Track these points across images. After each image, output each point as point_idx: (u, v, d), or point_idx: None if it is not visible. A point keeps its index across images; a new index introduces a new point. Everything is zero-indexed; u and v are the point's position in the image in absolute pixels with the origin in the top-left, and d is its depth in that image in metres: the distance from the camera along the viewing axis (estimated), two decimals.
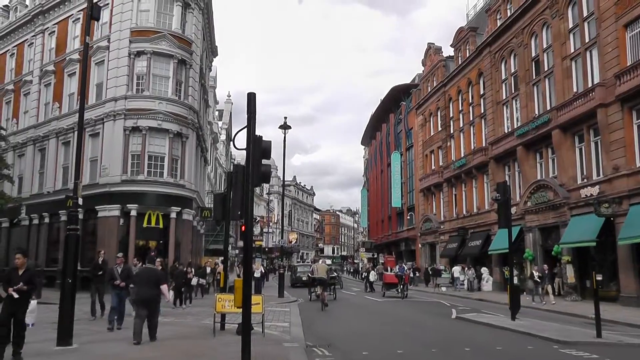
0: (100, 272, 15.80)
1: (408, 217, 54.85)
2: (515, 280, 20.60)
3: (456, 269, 37.91)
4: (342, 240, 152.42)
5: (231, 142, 69.33)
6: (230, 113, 66.67)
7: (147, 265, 12.83)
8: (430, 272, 41.29)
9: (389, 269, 31.22)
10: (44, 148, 33.04)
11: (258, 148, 9.43)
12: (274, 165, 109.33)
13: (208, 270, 28.29)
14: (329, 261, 58.59)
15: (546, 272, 24.83)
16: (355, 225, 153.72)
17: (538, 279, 24.74)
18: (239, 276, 26.18)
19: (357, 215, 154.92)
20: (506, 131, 34.92)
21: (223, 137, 61.18)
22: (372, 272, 36.14)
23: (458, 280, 36.12)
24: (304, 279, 31.98)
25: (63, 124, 31.65)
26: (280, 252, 36.32)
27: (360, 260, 78.90)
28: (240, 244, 74.31)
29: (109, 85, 28.94)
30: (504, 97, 35.87)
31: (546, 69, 31.15)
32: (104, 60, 29.59)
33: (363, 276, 36.32)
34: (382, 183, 68.84)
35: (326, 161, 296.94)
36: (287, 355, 10.54)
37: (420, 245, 50.43)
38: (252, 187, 9.20)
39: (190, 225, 30.56)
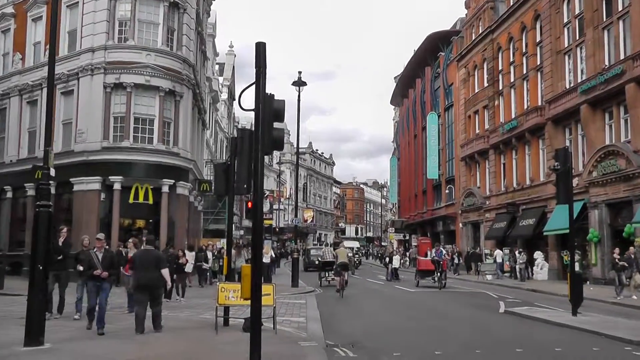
0: (60, 257, 15.06)
1: (447, 191, 54.76)
2: (577, 267, 20.49)
3: (499, 253, 37.96)
4: (367, 219, 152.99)
5: (235, 102, 69.64)
6: (233, 67, 66.51)
7: (146, 247, 13.44)
8: (470, 257, 41.41)
9: (427, 253, 31.21)
10: (4, 108, 32.76)
11: (269, 109, 9.35)
12: (286, 130, 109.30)
13: (210, 255, 28.57)
14: (354, 243, 59.94)
15: (633, 257, 23.49)
16: (383, 201, 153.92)
17: (622, 267, 23.61)
18: (247, 261, 26.41)
19: (385, 189, 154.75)
20: (568, 86, 34.40)
21: (224, 95, 61.15)
22: (396, 256, 36.30)
23: (498, 266, 36.27)
24: (317, 263, 34.44)
25: (27, 79, 31.53)
26: (294, 233, 36.53)
27: (389, 242, 79.22)
28: (247, 223, 75.30)
29: (84, 33, 28.84)
30: (566, 45, 35.23)
31: (620, 8, 30.44)
32: (77, 1, 29.46)
33: (385, 262, 36.80)
34: (415, 150, 68.57)
35: (348, 124, 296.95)
36: (304, 356, 10.60)
37: (461, 225, 50.42)
38: (262, 155, 9.15)
39: (186, 200, 30.79)
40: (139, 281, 12.56)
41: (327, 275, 29.89)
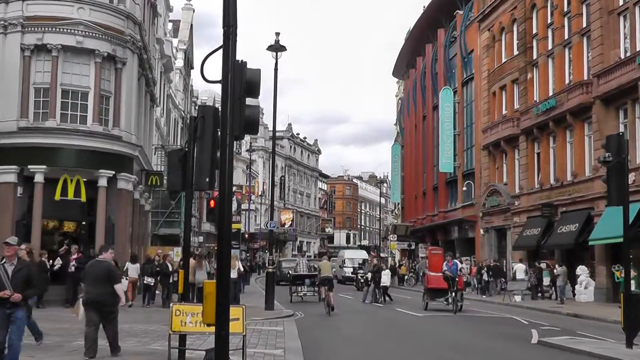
0: None
1: (464, 189, 55.00)
2: (633, 286, 20.62)
3: (520, 268, 38.27)
4: (362, 223, 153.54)
5: (194, 72, 69.33)
6: (191, 27, 66.12)
7: (98, 258, 14.15)
8: (490, 273, 41.57)
9: (444, 265, 31.19)
10: None
11: (240, 80, 9.29)
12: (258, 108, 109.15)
13: (170, 267, 28.40)
14: (359, 254, 61.62)
15: None
16: (383, 201, 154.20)
17: None
18: (209, 275, 26.34)
19: (385, 185, 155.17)
20: (622, 56, 34.55)
21: (180, 63, 60.83)
22: (386, 271, 35.98)
23: (521, 285, 36.57)
24: (289, 275, 37.96)
25: None
26: (269, 241, 36.50)
27: (389, 253, 79.44)
28: (208, 227, 75.06)
29: None
30: (621, 3, 35.37)
31: None
32: None
33: (365, 279, 36.65)
34: (424, 136, 68.75)
35: (339, 102, 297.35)
36: None
37: (481, 232, 50.63)
38: (231, 140, 9.09)
39: (129, 197, 30.63)
40: (88, 297, 13.37)
41: (299, 290, 34.23)
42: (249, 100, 9.61)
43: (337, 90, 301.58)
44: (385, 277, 35.25)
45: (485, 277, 41.67)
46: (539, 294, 37.26)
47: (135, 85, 30.93)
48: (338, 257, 64.48)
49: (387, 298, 34.93)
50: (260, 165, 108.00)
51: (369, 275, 36.03)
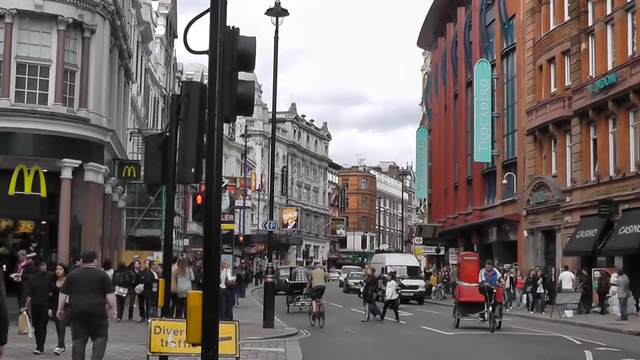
0: None
1: (504, 182, 54.85)
2: None
3: (566, 276, 38.15)
4: (381, 223, 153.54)
5: (178, 41, 69.21)
6: None
7: (85, 265, 14.64)
8: (529, 281, 41.24)
9: (482, 275, 31.07)
10: None
11: (232, 50, 9.31)
12: (257, 85, 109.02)
13: (155, 275, 28.28)
14: (406, 260, 56.94)
15: None
16: (406, 197, 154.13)
17: None
18: (194, 284, 26.36)
19: (408, 178, 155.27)
20: None
21: (161, 31, 60.84)
22: (391, 282, 35.31)
23: (572, 297, 36.41)
24: (285, 284, 40.98)
25: None
26: (268, 245, 36.52)
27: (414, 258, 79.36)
28: (195, 228, 74.77)
29: None
30: None
31: None
32: None
33: (367, 292, 35.61)
34: (455, 118, 68.61)
35: (353, 78, 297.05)
36: None
37: (525, 234, 50.53)
38: (220, 123, 9.12)
39: (99, 192, 30.73)
40: (75, 309, 13.79)
41: (295, 300, 37.07)
42: (243, 75, 9.64)
43: (351, 64, 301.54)
44: (391, 290, 34.64)
45: (540, 288, 40.66)
46: (596, 307, 37.10)
47: (106, 57, 30.98)
48: (373, 263, 55.90)
49: (391, 315, 34.14)
50: (257, 153, 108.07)
51: (368, 287, 35.01)
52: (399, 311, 34.52)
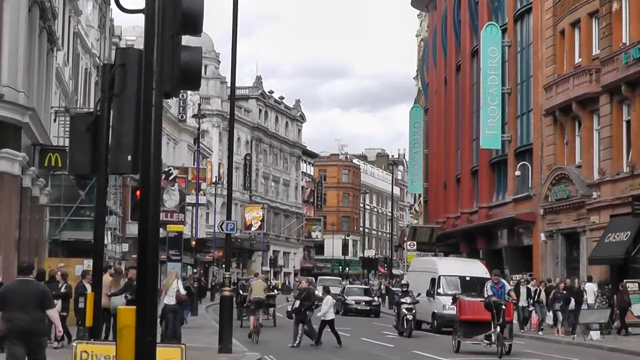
0: None
1: (517, 174, 54.97)
2: None
3: (590, 287, 38.18)
4: (367, 224, 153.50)
5: None
6: None
7: (22, 277, 14.75)
8: (558, 296, 40.96)
9: (488, 288, 31.04)
10: None
11: (173, 8, 9.27)
12: (211, 53, 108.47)
13: (89, 287, 28.09)
14: (463, 267, 47.98)
15: None
16: (397, 192, 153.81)
17: None
18: (127, 299, 26.23)
19: (400, 169, 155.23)
20: None
21: None
22: (327, 298, 34.48)
23: (600, 316, 36.45)
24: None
25: None
26: (226, 251, 36.34)
27: (405, 269, 79.18)
28: (135, 230, 73.74)
29: None
30: None
31: None
32: None
33: (296, 310, 34.82)
34: (458, 95, 68.71)
35: (334, 47, 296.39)
36: None
37: (542, 237, 50.61)
38: (159, 98, 9.07)
39: (15, 185, 30.55)
40: (13, 327, 13.95)
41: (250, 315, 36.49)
42: (188, 40, 9.60)
43: (331, 30, 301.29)
44: (327, 307, 33.34)
45: (572, 305, 39.70)
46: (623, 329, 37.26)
47: (23, 18, 30.78)
48: (413, 272, 49.66)
49: (316, 336, 33.52)
50: (214, 138, 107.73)
51: (297, 303, 33.98)
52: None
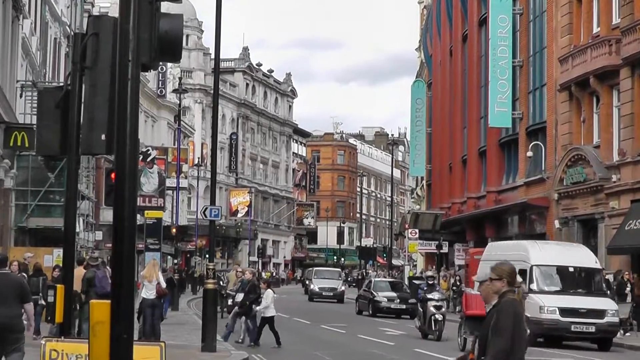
0: None
1: (529, 155, 55.03)
2: None
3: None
4: (365, 210, 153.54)
5: None
6: None
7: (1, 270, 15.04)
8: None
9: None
10: None
11: None
12: (193, 21, 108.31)
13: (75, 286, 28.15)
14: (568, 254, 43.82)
15: None
16: (398, 174, 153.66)
17: None
18: (96, 294, 26.19)
19: (401, 149, 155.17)
20: None
21: None
22: (267, 293, 33.86)
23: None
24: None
25: None
26: (209, 239, 36.39)
27: (406, 259, 79.26)
28: (110, 216, 73.65)
29: None
30: None
31: None
32: None
33: (227, 299, 37.18)
34: (464, 69, 68.70)
35: (329, 16, 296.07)
36: None
37: (557, 224, 50.66)
38: (136, 71, 9.04)
39: None
40: None
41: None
42: (167, 7, 9.56)
43: None
44: (267, 302, 32.64)
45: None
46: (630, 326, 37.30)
47: None
48: (493, 261, 37.61)
49: (257, 332, 33.19)
50: (197, 115, 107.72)
51: (238, 297, 33.73)
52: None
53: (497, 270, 9.20)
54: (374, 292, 54.05)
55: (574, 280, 35.36)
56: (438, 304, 35.71)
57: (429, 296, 35.55)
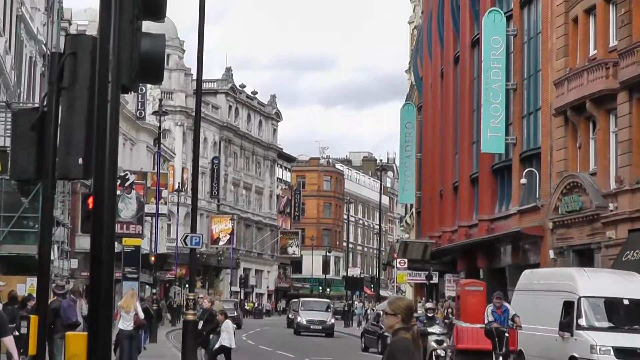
0: None
1: (522, 182, 55.08)
2: None
3: None
4: (352, 238, 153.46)
5: None
6: None
7: None
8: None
9: (489, 313, 31.04)
10: None
11: None
12: (175, 41, 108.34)
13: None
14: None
15: None
16: (386, 202, 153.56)
17: None
18: (62, 325, 26.11)
19: (390, 175, 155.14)
20: None
21: None
22: (226, 323, 33.67)
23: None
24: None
25: None
26: (189, 267, 36.32)
27: (394, 289, 79.07)
28: (86, 243, 73.55)
29: None
30: None
31: None
32: None
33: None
34: (456, 92, 68.81)
35: (317, 36, 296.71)
36: None
37: (552, 254, 50.63)
38: (116, 93, 9.03)
39: None
40: None
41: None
42: (147, 26, 9.55)
43: (313, 17, 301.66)
44: (227, 335, 32.28)
45: None
46: None
47: None
48: (532, 292, 36.42)
49: None
50: (178, 138, 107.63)
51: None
52: None
53: (393, 305, 9.16)
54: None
55: (629, 314, 31.56)
56: (439, 338, 34.24)
57: (430, 330, 33.69)
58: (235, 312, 67.83)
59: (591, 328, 29.90)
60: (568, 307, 30.64)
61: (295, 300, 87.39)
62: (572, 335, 30.09)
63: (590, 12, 48.70)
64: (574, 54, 49.90)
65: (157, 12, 9.46)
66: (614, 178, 45.35)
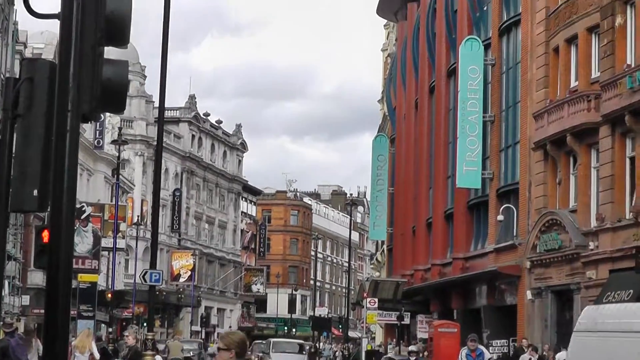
0: None
1: (500, 219, 55.20)
2: None
3: (561, 357, 38.18)
4: (319, 276, 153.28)
5: (19, 0, 68.50)
6: None
7: None
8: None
9: (463, 356, 31.10)
10: None
11: (95, 13, 9.24)
12: (136, 66, 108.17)
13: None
14: None
15: None
16: (356, 238, 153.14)
17: None
18: None
19: (360, 210, 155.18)
20: None
21: None
22: (157, 358, 33.95)
23: None
24: None
25: None
26: (148, 306, 36.22)
27: (363, 331, 78.94)
28: (40, 279, 73.13)
29: None
30: None
31: None
32: None
33: None
34: (431, 123, 68.88)
35: (284, 61, 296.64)
36: None
37: (529, 295, 50.68)
38: (76, 122, 9.02)
39: None
40: None
41: None
42: (111, 52, 9.57)
43: (281, 40, 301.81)
44: None
45: None
46: None
47: None
48: (597, 333, 25.62)
49: None
50: (137, 169, 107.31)
51: None
52: None
53: (226, 339, 9.26)
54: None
55: None
56: None
57: None
58: (200, 353, 67.52)
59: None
60: None
61: (260, 341, 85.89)
62: None
63: (571, 42, 48.84)
64: (555, 85, 50.01)
65: (120, 37, 9.44)
66: (595, 216, 45.43)
